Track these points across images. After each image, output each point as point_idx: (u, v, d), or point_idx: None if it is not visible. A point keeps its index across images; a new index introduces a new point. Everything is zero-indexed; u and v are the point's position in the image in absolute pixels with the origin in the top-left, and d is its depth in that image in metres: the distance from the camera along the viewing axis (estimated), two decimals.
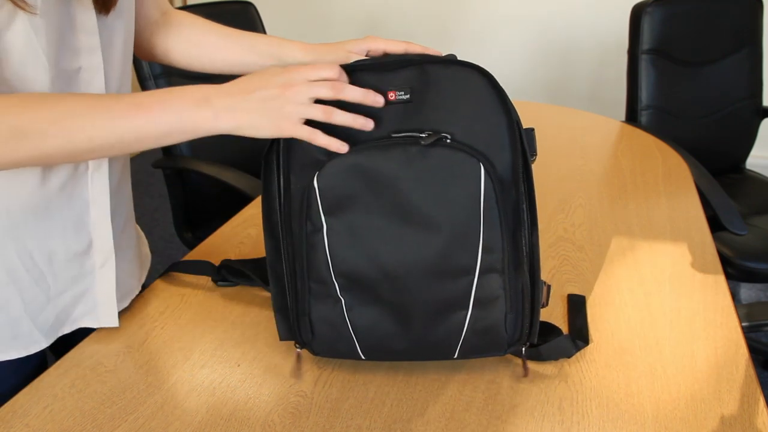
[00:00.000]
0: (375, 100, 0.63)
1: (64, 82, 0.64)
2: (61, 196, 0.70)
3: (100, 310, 0.78)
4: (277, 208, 0.70)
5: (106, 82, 0.68)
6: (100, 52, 0.67)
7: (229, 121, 0.61)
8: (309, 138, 0.62)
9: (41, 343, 0.74)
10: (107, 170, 0.73)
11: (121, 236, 0.78)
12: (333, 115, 0.62)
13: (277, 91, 0.61)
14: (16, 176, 0.65)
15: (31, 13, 0.57)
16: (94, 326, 0.79)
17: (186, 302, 0.87)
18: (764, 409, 0.67)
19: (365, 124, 0.63)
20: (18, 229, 0.67)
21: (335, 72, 0.62)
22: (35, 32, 0.58)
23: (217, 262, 0.91)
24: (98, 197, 0.73)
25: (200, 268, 0.91)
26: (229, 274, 0.88)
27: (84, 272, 0.75)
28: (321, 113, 0.61)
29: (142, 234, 0.91)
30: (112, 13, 0.67)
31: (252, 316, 0.84)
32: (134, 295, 0.85)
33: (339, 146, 0.63)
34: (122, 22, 0.70)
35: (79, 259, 0.74)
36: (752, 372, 0.73)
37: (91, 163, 0.71)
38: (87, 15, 0.64)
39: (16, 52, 0.58)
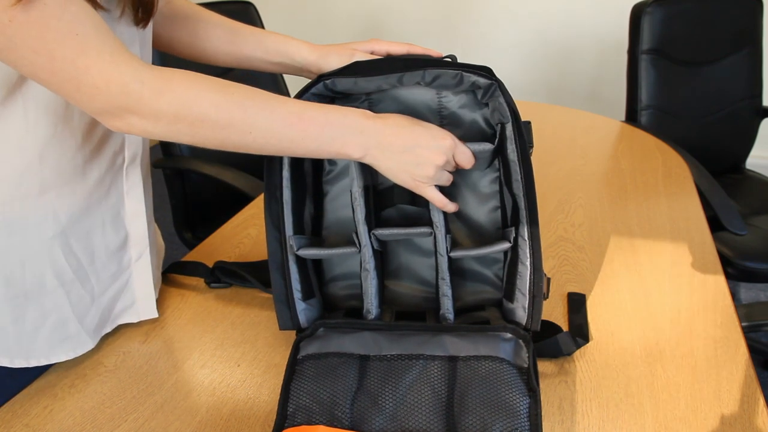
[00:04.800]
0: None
1: None
2: (100, 191, 0.71)
3: (139, 303, 0.80)
4: (280, 198, 0.71)
5: None
6: (138, 42, 0.68)
7: (373, 160, 0.66)
8: (440, 204, 0.70)
9: (88, 345, 0.75)
10: (140, 163, 0.74)
11: (149, 228, 0.80)
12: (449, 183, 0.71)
13: (429, 155, 0.66)
14: (60, 176, 0.66)
15: (107, 10, 0.59)
16: (134, 320, 0.80)
17: (186, 302, 0.87)
18: (764, 409, 0.67)
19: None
20: (65, 232, 0.68)
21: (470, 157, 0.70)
22: None
23: (215, 262, 0.91)
24: (132, 190, 0.75)
25: (194, 269, 0.91)
26: (223, 275, 0.88)
27: (122, 268, 0.77)
28: (446, 181, 0.70)
29: (155, 225, 0.92)
30: None
31: (252, 316, 0.84)
32: (160, 286, 0.86)
33: (452, 207, 0.71)
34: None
35: (117, 255, 0.76)
36: (752, 372, 0.73)
37: (126, 157, 0.72)
38: (128, 24, 0.65)
39: None
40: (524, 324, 0.71)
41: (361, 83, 0.70)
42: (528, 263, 0.69)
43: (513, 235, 0.70)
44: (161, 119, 0.57)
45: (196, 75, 0.59)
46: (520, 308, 0.71)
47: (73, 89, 0.54)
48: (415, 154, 0.66)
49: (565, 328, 0.80)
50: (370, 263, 0.71)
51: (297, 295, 0.73)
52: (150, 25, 0.69)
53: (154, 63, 0.72)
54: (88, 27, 0.53)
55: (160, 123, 0.57)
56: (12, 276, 0.66)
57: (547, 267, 0.94)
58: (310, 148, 0.63)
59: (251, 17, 1.73)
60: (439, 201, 0.70)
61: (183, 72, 0.59)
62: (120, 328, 0.80)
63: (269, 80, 1.74)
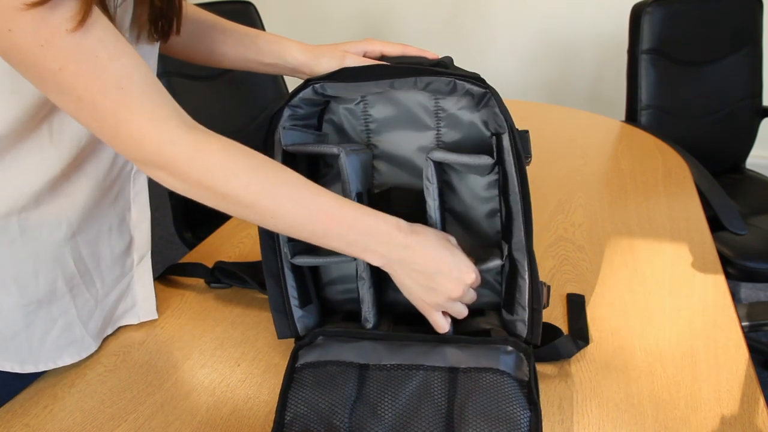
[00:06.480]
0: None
1: None
2: (109, 197, 0.72)
3: (140, 305, 0.81)
4: None
5: None
6: (156, 58, 0.69)
7: (392, 271, 0.65)
8: (441, 329, 0.68)
9: (92, 348, 0.75)
10: None
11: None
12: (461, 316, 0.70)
13: (447, 286, 0.65)
14: (75, 185, 0.67)
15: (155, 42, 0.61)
16: (135, 322, 0.81)
17: (185, 302, 0.87)
18: (764, 409, 0.67)
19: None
20: (75, 237, 0.69)
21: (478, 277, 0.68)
22: None
23: (215, 262, 0.91)
24: (138, 195, 0.76)
25: (194, 270, 0.91)
26: (223, 275, 0.88)
27: (124, 272, 0.78)
28: (457, 313, 0.68)
29: None
30: None
31: (251, 316, 0.84)
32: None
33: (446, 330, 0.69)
34: None
35: (121, 260, 0.76)
36: (752, 372, 0.73)
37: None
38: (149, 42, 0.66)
39: None
40: (524, 337, 0.70)
41: (351, 88, 0.69)
42: (527, 277, 0.69)
43: (506, 252, 0.70)
44: (188, 182, 0.57)
45: (233, 148, 0.58)
46: (520, 322, 0.70)
47: (111, 136, 0.55)
48: (434, 280, 0.65)
49: (564, 328, 0.80)
50: (366, 272, 0.70)
51: (294, 302, 0.73)
52: None
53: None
54: (135, 81, 0.53)
55: (186, 185, 0.57)
56: (26, 284, 0.66)
57: (547, 267, 0.94)
58: (331, 245, 0.63)
59: (251, 17, 1.73)
60: (441, 327, 0.68)
61: (221, 142, 0.58)
62: (120, 328, 0.80)
63: (269, 80, 1.74)
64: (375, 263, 0.64)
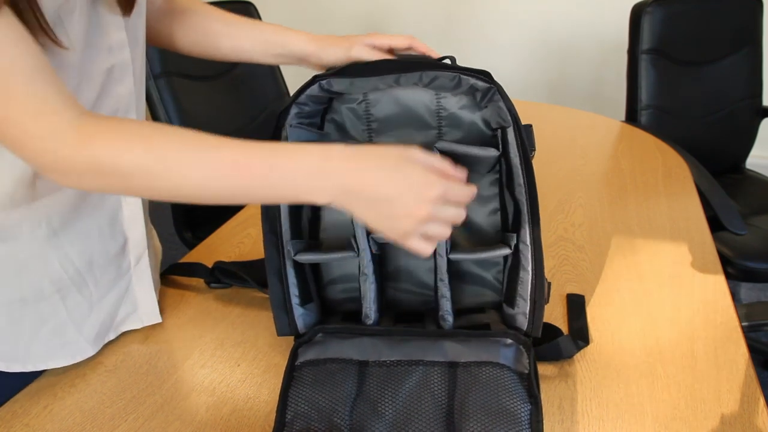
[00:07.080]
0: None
1: (96, 83, 0.64)
2: (92, 198, 0.70)
3: (141, 309, 0.79)
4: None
5: (133, 76, 0.68)
6: (128, 47, 0.66)
7: (343, 205, 0.57)
8: (423, 253, 0.58)
9: (88, 351, 0.74)
10: None
11: (147, 231, 0.79)
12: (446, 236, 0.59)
13: (408, 208, 0.55)
14: (53, 184, 0.64)
15: (66, 48, 0.55)
16: (138, 327, 0.80)
17: (185, 302, 0.87)
18: (764, 409, 0.67)
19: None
20: (58, 237, 0.68)
21: (466, 191, 0.58)
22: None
23: (215, 262, 0.91)
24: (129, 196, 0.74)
25: (194, 270, 0.91)
26: (222, 275, 0.88)
27: (121, 273, 0.76)
28: (440, 234, 0.58)
29: (152, 226, 0.91)
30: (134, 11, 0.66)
31: (251, 316, 0.84)
32: (159, 288, 0.85)
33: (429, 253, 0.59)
34: (141, 16, 0.69)
35: (116, 261, 0.75)
36: (752, 372, 0.73)
37: None
38: (113, 13, 0.63)
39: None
40: (525, 330, 0.70)
41: (358, 83, 0.69)
42: (530, 269, 0.69)
43: (514, 241, 0.70)
44: (80, 175, 0.53)
45: (121, 126, 0.55)
46: (521, 314, 0.70)
47: (1, 138, 0.51)
48: (391, 205, 0.55)
49: (564, 329, 0.80)
50: (368, 268, 0.71)
51: (295, 300, 0.73)
52: (140, 16, 0.68)
53: (153, 62, 0.72)
54: (18, 75, 0.49)
55: (81, 179, 0.53)
56: (8, 282, 0.66)
57: (547, 267, 0.94)
58: (261, 196, 0.57)
59: (251, 17, 1.73)
60: (422, 252, 0.58)
61: (109, 122, 0.54)
62: None
63: (269, 79, 1.74)
64: (321, 202, 0.56)
